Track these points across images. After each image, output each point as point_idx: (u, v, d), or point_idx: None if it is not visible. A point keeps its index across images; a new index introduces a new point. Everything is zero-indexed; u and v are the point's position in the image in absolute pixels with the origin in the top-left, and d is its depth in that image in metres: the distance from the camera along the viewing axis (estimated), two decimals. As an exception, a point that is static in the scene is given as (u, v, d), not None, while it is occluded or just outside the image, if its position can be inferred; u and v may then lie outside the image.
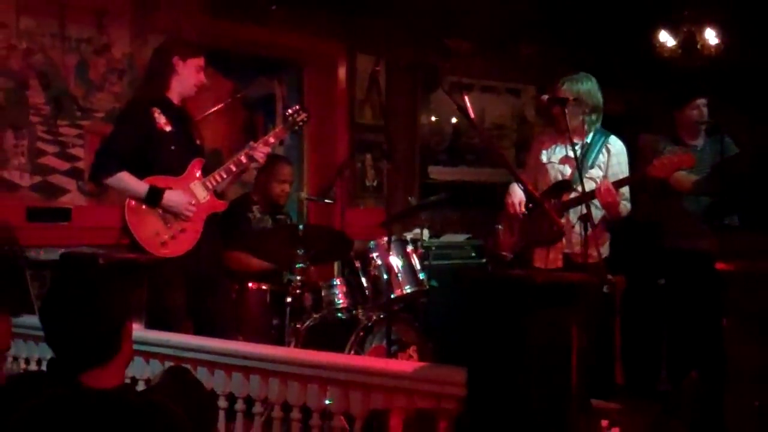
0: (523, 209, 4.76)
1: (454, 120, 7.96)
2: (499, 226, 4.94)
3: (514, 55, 8.06)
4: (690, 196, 5.25)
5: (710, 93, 5.42)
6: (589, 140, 4.75)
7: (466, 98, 3.88)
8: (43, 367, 3.68)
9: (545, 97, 4.70)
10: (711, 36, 7.25)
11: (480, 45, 7.81)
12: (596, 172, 4.69)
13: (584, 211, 4.50)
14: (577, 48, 7.70)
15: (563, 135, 4.78)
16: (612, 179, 4.62)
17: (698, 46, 7.20)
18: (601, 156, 4.71)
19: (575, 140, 4.74)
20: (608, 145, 4.76)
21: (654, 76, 7.60)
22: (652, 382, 5.47)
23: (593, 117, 4.73)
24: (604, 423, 3.03)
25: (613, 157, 4.75)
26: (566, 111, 4.47)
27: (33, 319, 4.00)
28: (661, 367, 5.47)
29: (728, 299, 3.17)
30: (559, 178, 4.76)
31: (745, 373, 3.16)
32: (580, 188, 4.57)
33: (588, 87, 4.70)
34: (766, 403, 3.05)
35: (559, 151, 4.83)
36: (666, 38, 7.45)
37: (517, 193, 4.78)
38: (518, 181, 4.13)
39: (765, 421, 3.07)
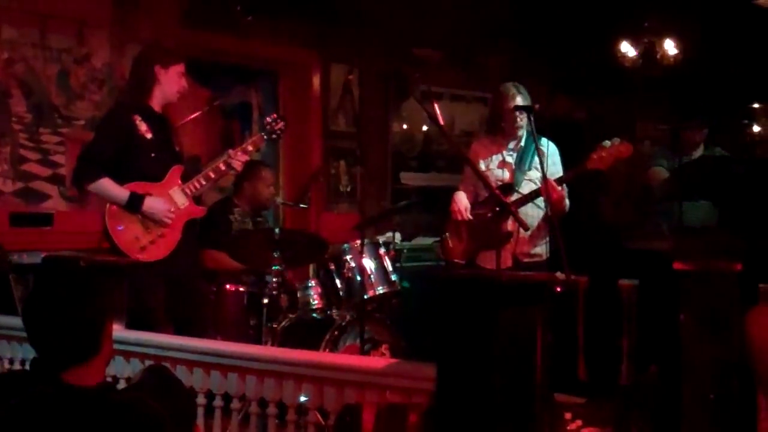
0: (469, 215, 4.85)
1: (424, 127, 8.05)
2: (446, 234, 5.03)
3: (482, 65, 8.10)
4: (658, 194, 5.39)
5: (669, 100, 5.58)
6: (523, 144, 4.88)
7: (436, 106, 3.98)
8: (27, 367, 3.74)
9: (513, 105, 4.81)
10: (670, 46, 7.36)
11: (449, 55, 7.89)
12: (534, 174, 4.80)
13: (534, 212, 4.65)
14: (541, 58, 7.82)
15: (498, 142, 4.94)
16: (549, 178, 4.69)
17: (658, 56, 7.32)
18: (536, 158, 4.73)
19: (510, 144, 4.91)
20: (541, 147, 4.86)
21: (615, 86, 7.73)
22: (613, 377, 5.56)
23: (527, 121, 4.84)
24: (567, 416, 3.10)
25: (548, 158, 4.81)
26: (531, 118, 4.61)
27: (16, 321, 4.10)
28: (622, 363, 5.56)
29: (685, 297, 3.24)
30: (499, 183, 4.83)
31: (701, 367, 3.22)
32: (523, 190, 4.73)
33: (527, 93, 4.84)
34: (721, 396, 3.11)
35: (495, 158, 4.94)
36: (627, 49, 7.54)
37: (463, 200, 4.89)
38: (487, 186, 4.25)
39: (720, 413, 3.13)
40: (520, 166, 4.87)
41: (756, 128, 8.34)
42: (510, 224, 4.62)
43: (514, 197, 4.74)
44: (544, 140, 4.89)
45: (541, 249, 4.77)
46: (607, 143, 4.68)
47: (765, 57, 7.16)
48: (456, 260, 4.96)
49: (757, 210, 4.96)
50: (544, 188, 4.52)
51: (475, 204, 4.93)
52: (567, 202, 4.84)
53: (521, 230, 4.63)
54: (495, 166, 4.93)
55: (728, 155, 5.53)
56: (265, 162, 6.30)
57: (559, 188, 4.68)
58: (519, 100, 4.80)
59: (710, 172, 5.40)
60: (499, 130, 4.98)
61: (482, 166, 4.94)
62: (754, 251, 3.06)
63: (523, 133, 4.90)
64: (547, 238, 4.84)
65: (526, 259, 4.76)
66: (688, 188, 5.19)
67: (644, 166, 5.49)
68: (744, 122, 7.82)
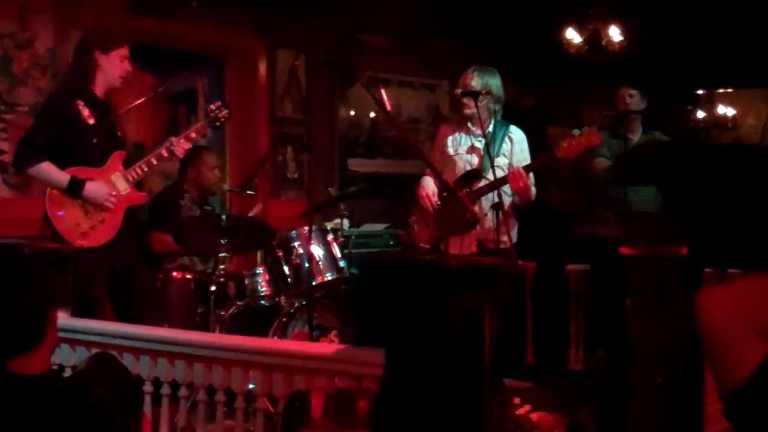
0: (437, 201, 4.86)
1: (372, 114, 8.03)
2: (413, 219, 5.04)
3: (429, 51, 8.12)
4: (602, 182, 5.43)
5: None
6: (491, 130, 4.87)
7: (383, 92, 3.98)
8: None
9: (458, 90, 4.84)
10: (615, 33, 7.43)
11: (395, 41, 7.89)
12: (502, 160, 4.82)
13: (497, 199, 4.67)
14: (488, 45, 7.86)
15: (466, 126, 4.95)
16: (517, 166, 4.74)
17: (603, 43, 7.40)
18: (504, 145, 4.84)
19: (478, 131, 4.91)
20: (510, 134, 4.90)
21: (561, 72, 7.80)
22: (561, 361, 5.63)
23: (497, 108, 4.87)
24: (516, 400, 3.14)
25: (516, 145, 4.89)
26: (478, 103, 4.64)
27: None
28: (570, 348, 5.64)
29: (630, 281, 3.28)
30: (467, 168, 4.86)
31: (647, 351, 3.26)
32: (490, 176, 4.74)
33: (496, 80, 4.85)
34: (667, 379, 3.15)
35: (464, 143, 4.94)
36: (573, 35, 7.61)
37: (430, 186, 4.88)
38: (433, 171, 4.26)
39: (667, 396, 3.18)
40: (488, 153, 4.87)
41: (700, 114, 8.49)
42: (477, 210, 4.65)
43: (482, 183, 4.76)
44: (512, 127, 4.95)
45: (511, 235, 4.77)
46: (577, 132, 4.70)
47: (709, 43, 7.27)
48: (422, 245, 4.95)
49: (700, 195, 5.03)
50: (511, 176, 4.58)
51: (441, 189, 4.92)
52: (534, 190, 4.84)
53: (486, 217, 4.69)
54: (464, 151, 4.94)
55: (670, 140, 5.58)
56: (207, 146, 6.26)
57: (526, 176, 4.67)
58: (474, 84, 4.80)
59: (653, 157, 5.46)
60: (459, 113, 4.99)
61: (450, 150, 4.96)
62: (699, 236, 3.10)
63: (490, 119, 4.89)
64: (516, 225, 4.88)
65: (491, 246, 4.77)
66: (632, 173, 5.25)
67: (590, 153, 5.54)
68: (688, 108, 7.95)
